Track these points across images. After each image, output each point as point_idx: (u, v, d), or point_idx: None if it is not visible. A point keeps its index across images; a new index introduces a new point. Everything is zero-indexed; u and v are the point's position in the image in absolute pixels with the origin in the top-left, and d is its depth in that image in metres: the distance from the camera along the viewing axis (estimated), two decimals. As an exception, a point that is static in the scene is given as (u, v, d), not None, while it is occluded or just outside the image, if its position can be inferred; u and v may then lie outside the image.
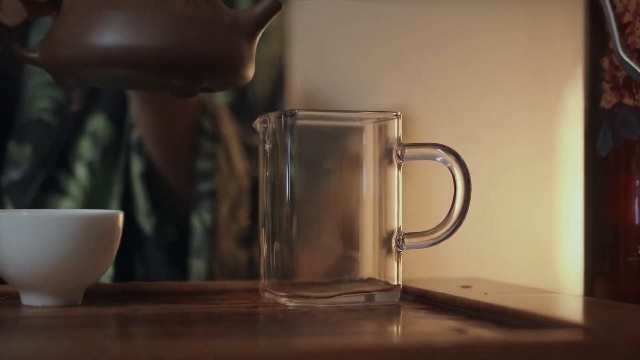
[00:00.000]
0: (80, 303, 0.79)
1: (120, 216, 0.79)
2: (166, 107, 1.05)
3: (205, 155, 1.09)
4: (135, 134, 1.09)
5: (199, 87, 0.80)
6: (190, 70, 0.77)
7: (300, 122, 0.78)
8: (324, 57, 1.63)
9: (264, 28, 0.80)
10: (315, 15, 1.62)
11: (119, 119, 1.12)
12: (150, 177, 1.09)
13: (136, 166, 1.09)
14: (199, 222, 1.09)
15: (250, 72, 0.80)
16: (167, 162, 1.09)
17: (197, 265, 1.09)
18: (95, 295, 0.82)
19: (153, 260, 1.10)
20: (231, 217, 1.11)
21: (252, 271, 1.14)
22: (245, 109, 1.19)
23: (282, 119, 0.78)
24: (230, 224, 1.11)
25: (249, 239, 1.14)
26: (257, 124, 0.82)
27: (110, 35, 0.76)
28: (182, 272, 1.10)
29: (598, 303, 0.80)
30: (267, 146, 0.80)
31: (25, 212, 0.80)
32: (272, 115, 0.80)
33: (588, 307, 0.79)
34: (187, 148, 1.09)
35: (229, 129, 1.13)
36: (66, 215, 0.79)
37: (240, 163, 1.13)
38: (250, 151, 1.16)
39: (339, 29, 1.64)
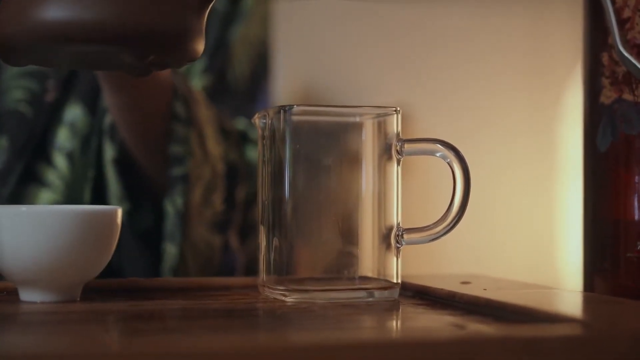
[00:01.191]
0: (78, 299, 0.79)
1: (119, 212, 0.79)
2: (136, 90, 1.03)
3: (178, 140, 1.07)
4: (108, 119, 1.08)
5: (146, 61, 0.77)
6: (133, 44, 0.75)
7: (298, 118, 0.78)
8: (324, 56, 1.63)
9: (213, 1, 0.78)
10: (315, 15, 1.62)
11: (97, 107, 1.11)
12: (123, 162, 1.08)
13: (109, 152, 1.07)
14: (171, 206, 1.07)
15: (200, 46, 0.78)
16: (140, 147, 1.07)
17: (170, 250, 1.07)
18: (93, 291, 0.82)
19: (126, 247, 1.09)
20: (205, 202, 1.10)
21: (226, 257, 1.13)
22: (224, 92, 1.18)
23: (281, 114, 0.78)
24: (203, 208, 1.09)
25: (223, 224, 1.12)
26: (256, 119, 0.82)
27: (51, 9, 0.73)
28: (157, 258, 1.09)
29: (597, 298, 0.80)
30: (265, 141, 0.80)
31: (24, 208, 0.80)
32: (271, 111, 0.79)
33: (587, 302, 0.79)
34: (160, 133, 1.07)
35: (204, 112, 1.11)
36: (65, 210, 0.79)
37: (215, 147, 1.11)
38: (228, 135, 1.14)
39: (339, 29, 1.64)
